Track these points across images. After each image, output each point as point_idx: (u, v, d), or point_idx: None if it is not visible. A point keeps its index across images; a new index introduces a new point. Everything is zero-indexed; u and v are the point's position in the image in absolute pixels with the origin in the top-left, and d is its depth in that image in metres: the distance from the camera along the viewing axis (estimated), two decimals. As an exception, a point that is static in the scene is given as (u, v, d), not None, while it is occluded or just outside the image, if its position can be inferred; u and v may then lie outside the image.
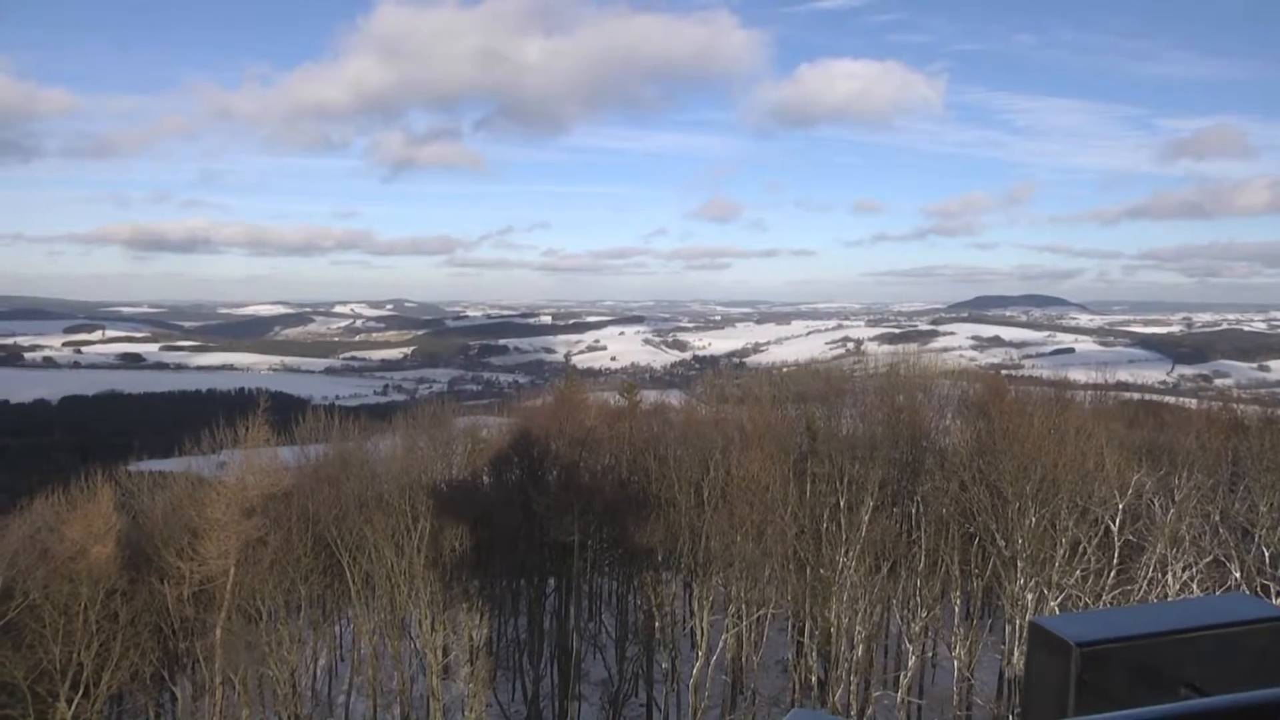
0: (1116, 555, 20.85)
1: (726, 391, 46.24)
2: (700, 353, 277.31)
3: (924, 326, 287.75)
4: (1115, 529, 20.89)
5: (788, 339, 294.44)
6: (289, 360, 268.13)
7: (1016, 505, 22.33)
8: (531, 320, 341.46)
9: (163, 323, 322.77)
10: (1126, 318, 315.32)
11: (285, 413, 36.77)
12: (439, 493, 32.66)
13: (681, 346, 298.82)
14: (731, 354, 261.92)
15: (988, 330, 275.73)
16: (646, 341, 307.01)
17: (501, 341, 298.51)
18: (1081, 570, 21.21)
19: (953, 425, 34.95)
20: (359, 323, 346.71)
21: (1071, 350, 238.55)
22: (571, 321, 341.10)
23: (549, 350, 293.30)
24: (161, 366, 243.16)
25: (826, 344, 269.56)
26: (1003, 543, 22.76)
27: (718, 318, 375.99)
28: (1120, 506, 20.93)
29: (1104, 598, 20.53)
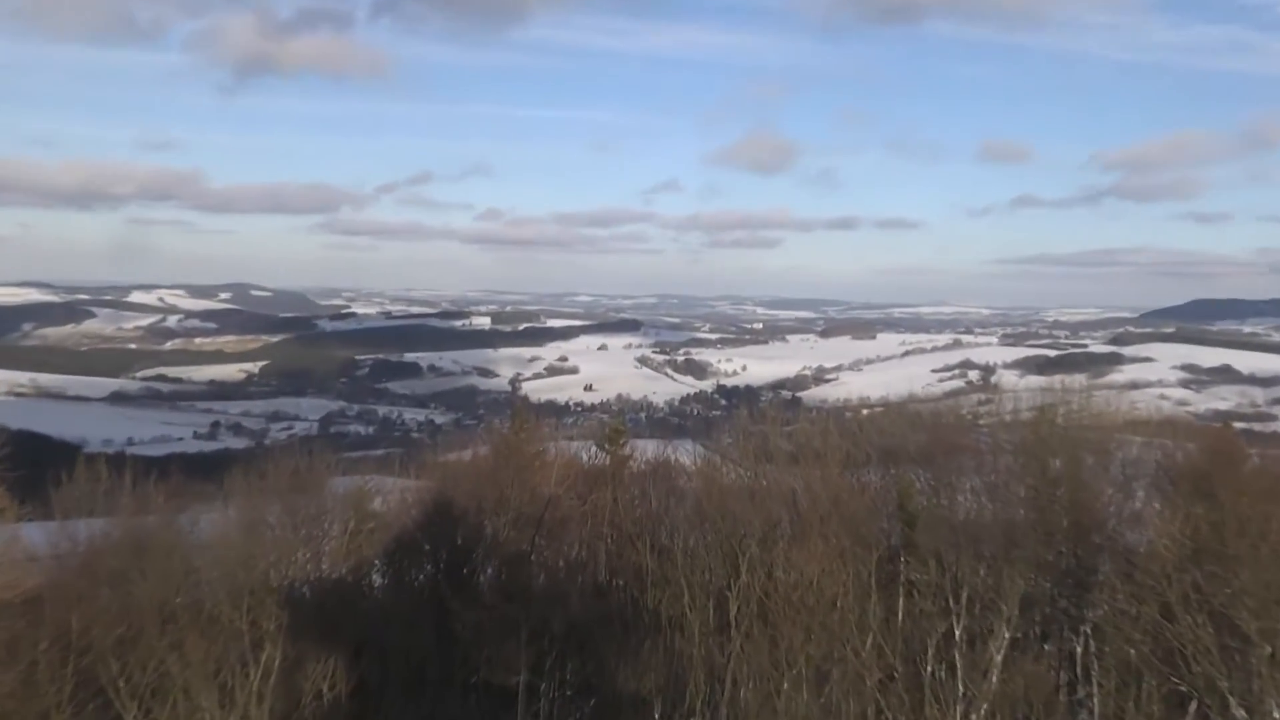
0: None
1: (771, 445, 46.21)
2: (728, 381, 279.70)
3: (1098, 348, 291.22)
4: None
5: (871, 362, 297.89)
6: (48, 379, 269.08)
7: (1267, 651, 22.23)
8: (459, 323, 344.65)
9: None
10: None
11: (38, 466, 36.50)
12: (299, 601, 32.76)
13: (699, 370, 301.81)
14: (779, 384, 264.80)
15: (1209, 356, 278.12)
16: (642, 361, 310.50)
17: (410, 356, 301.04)
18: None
19: (1148, 510, 34.87)
20: (174, 320, 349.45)
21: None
22: (524, 326, 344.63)
23: (486, 372, 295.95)
24: None
25: (934, 371, 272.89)
26: (1242, 713, 22.58)
27: (758, 325, 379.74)
28: None
29: None
